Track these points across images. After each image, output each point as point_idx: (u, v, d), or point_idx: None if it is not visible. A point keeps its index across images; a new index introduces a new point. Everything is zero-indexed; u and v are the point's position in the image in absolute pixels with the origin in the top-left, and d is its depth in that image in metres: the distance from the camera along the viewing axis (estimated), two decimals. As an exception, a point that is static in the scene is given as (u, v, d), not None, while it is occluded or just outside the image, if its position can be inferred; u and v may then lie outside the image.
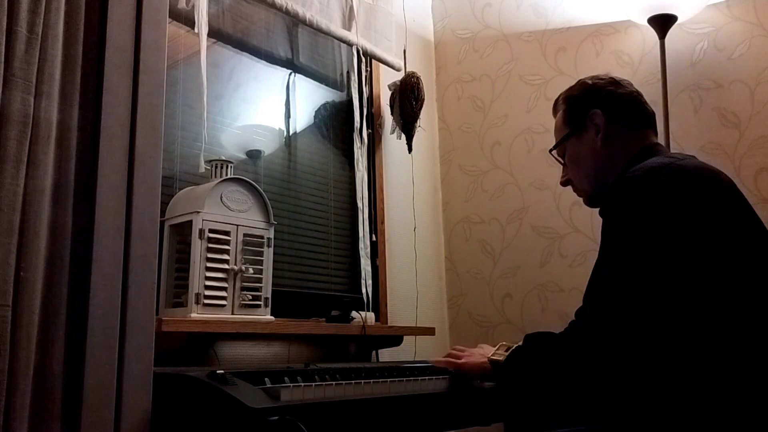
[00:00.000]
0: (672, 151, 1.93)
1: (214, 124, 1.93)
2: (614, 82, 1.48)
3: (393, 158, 2.48)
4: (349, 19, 2.25)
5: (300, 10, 2.05)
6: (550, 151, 1.56)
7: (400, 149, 2.42)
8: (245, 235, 1.66)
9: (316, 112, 2.30)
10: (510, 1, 2.64)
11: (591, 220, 2.27)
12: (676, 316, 1.17)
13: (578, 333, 1.23)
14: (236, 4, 2.07)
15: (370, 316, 2.05)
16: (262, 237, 1.70)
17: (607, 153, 1.43)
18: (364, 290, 2.14)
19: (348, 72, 2.36)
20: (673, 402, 1.17)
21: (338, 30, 2.20)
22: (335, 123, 2.34)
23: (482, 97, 2.66)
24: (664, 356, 1.17)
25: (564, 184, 1.56)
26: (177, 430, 1.18)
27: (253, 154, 2.06)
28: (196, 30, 1.75)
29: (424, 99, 2.35)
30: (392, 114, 2.37)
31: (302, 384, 1.19)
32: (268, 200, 1.73)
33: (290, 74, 2.23)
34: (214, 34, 1.93)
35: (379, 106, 2.46)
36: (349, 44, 2.26)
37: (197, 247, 1.56)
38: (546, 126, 2.44)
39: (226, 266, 1.62)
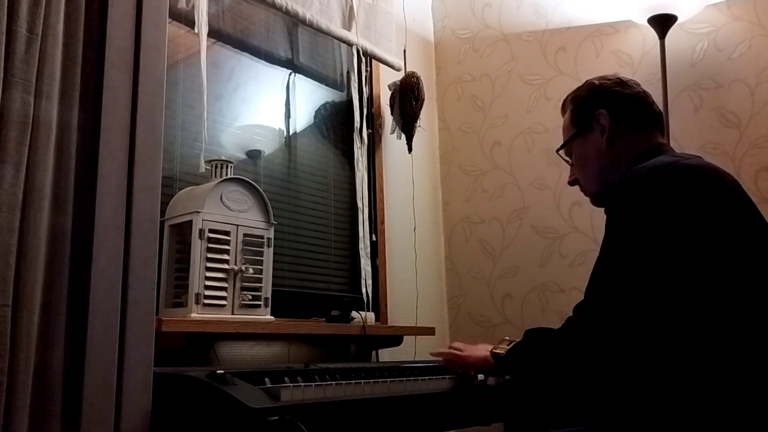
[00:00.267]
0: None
1: (214, 124, 1.93)
2: (621, 83, 1.48)
3: (393, 158, 2.48)
4: (349, 19, 2.25)
5: (300, 10, 2.05)
6: (557, 151, 1.57)
7: (400, 149, 2.43)
8: (245, 235, 1.66)
9: (316, 112, 2.30)
10: (510, 1, 2.64)
11: (591, 220, 2.27)
12: (675, 314, 1.17)
13: (574, 329, 1.25)
14: (236, 4, 2.07)
15: (370, 316, 2.05)
16: (262, 237, 1.70)
17: (612, 153, 1.43)
18: (364, 290, 2.14)
19: (348, 72, 2.36)
20: (671, 401, 1.17)
21: (338, 30, 2.20)
22: (335, 123, 2.34)
23: (482, 97, 2.66)
24: (660, 354, 1.17)
25: (572, 183, 1.57)
26: (177, 430, 1.18)
27: (253, 154, 2.06)
28: (196, 30, 1.75)
29: (424, 99, 2.35)
30: (392, 114, 2.38)
31: (302, 384, 1.19)
32: (268, 200, 1.73)
33: (290, 74, 2.23)
34: (214, 34, 1.93)
35: (379, 106, 2.46)
36: (349, 44, 2.26)
37: (197, 247, 1.56)
38: (546, 126, 2.44)
39: (226, 266, 1.62)
